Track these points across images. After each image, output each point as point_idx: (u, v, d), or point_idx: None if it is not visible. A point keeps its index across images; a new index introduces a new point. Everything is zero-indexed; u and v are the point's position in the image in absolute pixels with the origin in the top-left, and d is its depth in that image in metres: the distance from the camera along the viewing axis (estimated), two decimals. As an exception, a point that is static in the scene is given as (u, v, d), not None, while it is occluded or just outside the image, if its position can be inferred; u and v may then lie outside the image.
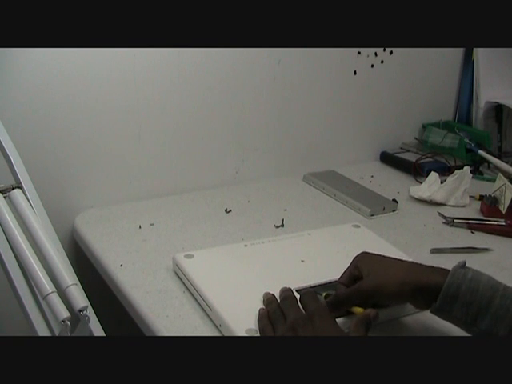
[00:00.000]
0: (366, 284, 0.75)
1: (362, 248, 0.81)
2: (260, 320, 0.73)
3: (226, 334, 0.74)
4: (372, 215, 1.12)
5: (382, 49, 1.34)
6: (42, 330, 0.64)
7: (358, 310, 0.74)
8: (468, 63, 1.49)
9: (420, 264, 0.76)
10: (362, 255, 0.79)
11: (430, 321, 0.79)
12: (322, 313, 0.69)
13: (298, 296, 0.75)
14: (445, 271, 0.72)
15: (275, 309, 0.74)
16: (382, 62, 1.35)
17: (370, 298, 0.75)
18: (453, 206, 1.18)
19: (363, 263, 0.77)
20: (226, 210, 1.11)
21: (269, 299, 0.76)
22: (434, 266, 0.75)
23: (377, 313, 0.70)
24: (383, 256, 0.79)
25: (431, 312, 0.72)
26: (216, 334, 0.76)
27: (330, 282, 0.82)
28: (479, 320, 0.68)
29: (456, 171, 1.21)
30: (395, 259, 0.78)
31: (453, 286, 0.69)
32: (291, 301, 0.74)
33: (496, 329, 0.67)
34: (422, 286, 0.71)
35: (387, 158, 1.42)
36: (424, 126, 1.48)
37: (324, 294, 0.78)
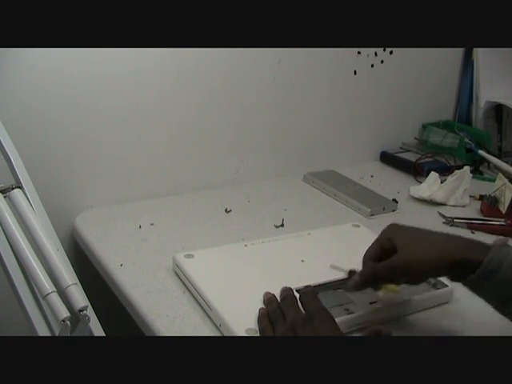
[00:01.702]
0: (402, 259, 0.70)
1: (361, 248, 0.80)
2: (260, 320, 0.74)
3: (225, 334, 0.74)
4: (372, 215, 1.13)
5: (382, 49, 1.34)
6: (42, 330, 0.64)
7: (391, 286, 0.70)
8: (468, 63, 1.49)
9: (458, 236, 0.72)
10: (393, 227, 0.74)
11: (431, 320, 0.79)
12: (321, 313, 0.69)
13: (298, 296, 0.75)
14: (484, 246, 0.68)
15: (275, 309, 0.74)
16: (382, 61, 1.35)
17: (404, 274, 0.71)
18: (453, 205, 1.19)
19: (397, 235, 0.72)
20: (226, 210, 1.11)
21: (269, 299, 0.76)
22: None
23: (390, 330, 0.66)
24: (416, 227, 0.74)
25: (464, 284, 0.69)
26: (216, 333, 0.76)
27: (330, 282, 0.82)
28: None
29: (456, 171, 1.21)
30: (430, 231, 0.73)
31: (494, 261, 0.65)
32: (291, 300, 0.74)
33: None
34: (460, 260, 0.67)
35: (387, 158, 1.42)
36: (424, 126, 1.48)
37: (349, 270, 0.76)
